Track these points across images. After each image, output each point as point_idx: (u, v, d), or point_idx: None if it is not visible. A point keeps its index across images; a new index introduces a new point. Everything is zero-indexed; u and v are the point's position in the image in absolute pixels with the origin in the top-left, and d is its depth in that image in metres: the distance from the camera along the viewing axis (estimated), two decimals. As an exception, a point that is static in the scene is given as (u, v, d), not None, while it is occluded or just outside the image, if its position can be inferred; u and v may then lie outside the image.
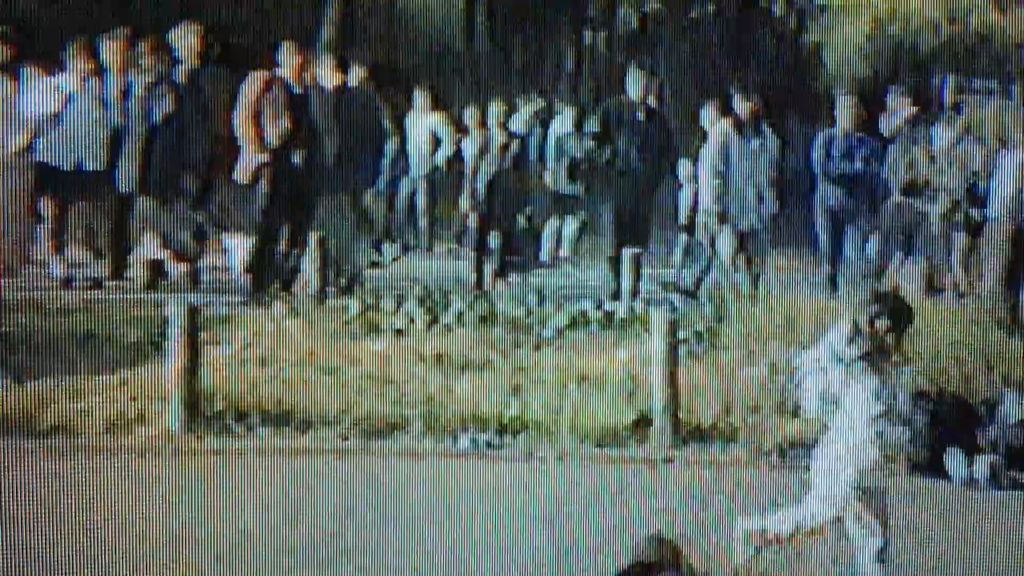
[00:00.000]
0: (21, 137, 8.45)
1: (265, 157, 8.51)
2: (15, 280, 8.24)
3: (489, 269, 8.81)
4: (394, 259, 9.24)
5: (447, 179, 9.39)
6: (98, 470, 5.70)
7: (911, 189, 8.73)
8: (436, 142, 9.59)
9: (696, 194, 9.18)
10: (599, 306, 8.15)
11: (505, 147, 8.96)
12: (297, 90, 8.55)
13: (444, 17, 10.66)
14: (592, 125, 8.87)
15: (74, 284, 8.47)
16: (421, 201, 9.46)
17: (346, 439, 6.36)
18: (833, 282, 8.88)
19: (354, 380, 6.90)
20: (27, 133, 8.45)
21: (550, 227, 9.08)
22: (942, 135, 8.74)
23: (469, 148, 9.24)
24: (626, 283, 8.53)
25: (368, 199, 9.30)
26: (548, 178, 9.11)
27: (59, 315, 7.61)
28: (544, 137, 9.40)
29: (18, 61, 8.55)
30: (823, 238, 9.04)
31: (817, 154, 9.01)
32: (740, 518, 4.90)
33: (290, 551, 4.93)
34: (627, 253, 8.68)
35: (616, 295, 8.51)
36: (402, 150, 9.57)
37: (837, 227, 9.03)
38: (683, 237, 9.14)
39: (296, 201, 8.59)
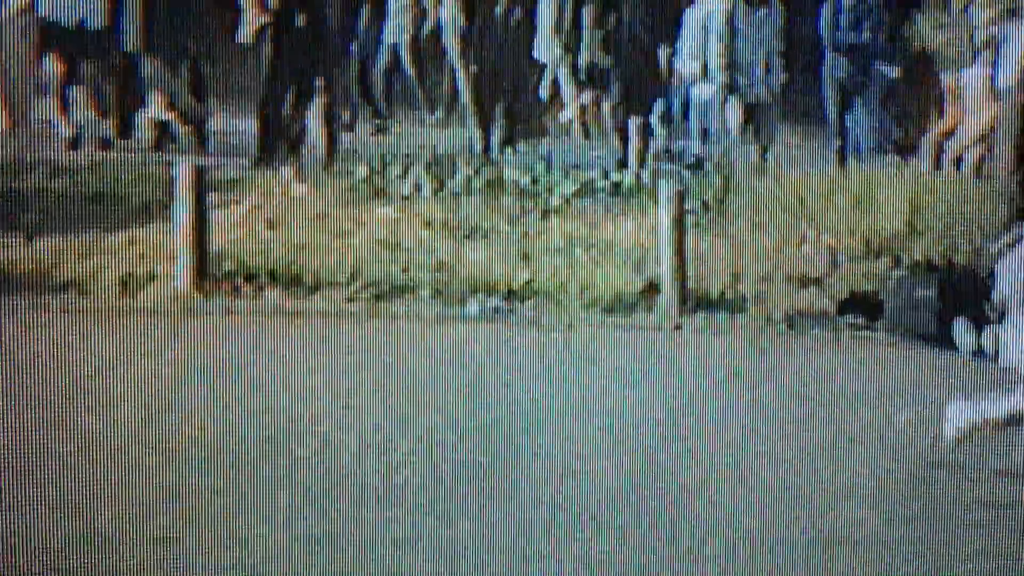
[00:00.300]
0: (22, -7, 8.22)
1: (267, 18, 8.30)
2: (23, 139, 8.12)
3: (496, 137, 8.67)
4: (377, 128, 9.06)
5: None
6: (109, 329, 5.70)
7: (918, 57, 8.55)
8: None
9: (670, 58, 8.94)
10: (606, 175, 8.07)
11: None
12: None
13: None
14: None
15: (81, 144, 8.35)
16: (410, 69, 9.23)
17: (352, 301, 6.35)
18: (841, 155, 8.77)
19: (362, 244, 6.86)
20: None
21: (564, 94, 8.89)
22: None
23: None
24: (633, 152, 8.43)
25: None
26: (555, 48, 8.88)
27: (68, 174, 7.52)
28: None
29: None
30: (831, 111, 8.89)
31: (825, 24, 8.78)
32: (951, 401, 4.87)
33: (296, 410, 4.96)
34: (634, 121, 8.55)
35: (623, 164, 8.41)
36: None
37: (845, 99, 8.86)
38: (657, 102, 8.94)
39: (300, 64, 8.40)
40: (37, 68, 8.47)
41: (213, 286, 6.24)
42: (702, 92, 8.83)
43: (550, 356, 5.93)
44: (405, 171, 7.68)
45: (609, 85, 8.75)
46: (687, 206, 7.02)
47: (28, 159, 7.72)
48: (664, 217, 6.78)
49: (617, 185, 7.92)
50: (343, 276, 6.52)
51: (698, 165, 8.50)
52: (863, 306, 6.93)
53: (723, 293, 6.81)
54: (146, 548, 3.69)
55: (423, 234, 7.04)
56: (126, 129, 8.53)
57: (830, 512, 4.34)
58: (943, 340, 6.62)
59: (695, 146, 8.79)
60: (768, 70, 8.90)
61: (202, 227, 6.31)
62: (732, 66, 8.87)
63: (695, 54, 8.78)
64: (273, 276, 6.41)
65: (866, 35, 8.84)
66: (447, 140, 8.35)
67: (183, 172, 6.37)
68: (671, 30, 8.95)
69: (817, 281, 7.13)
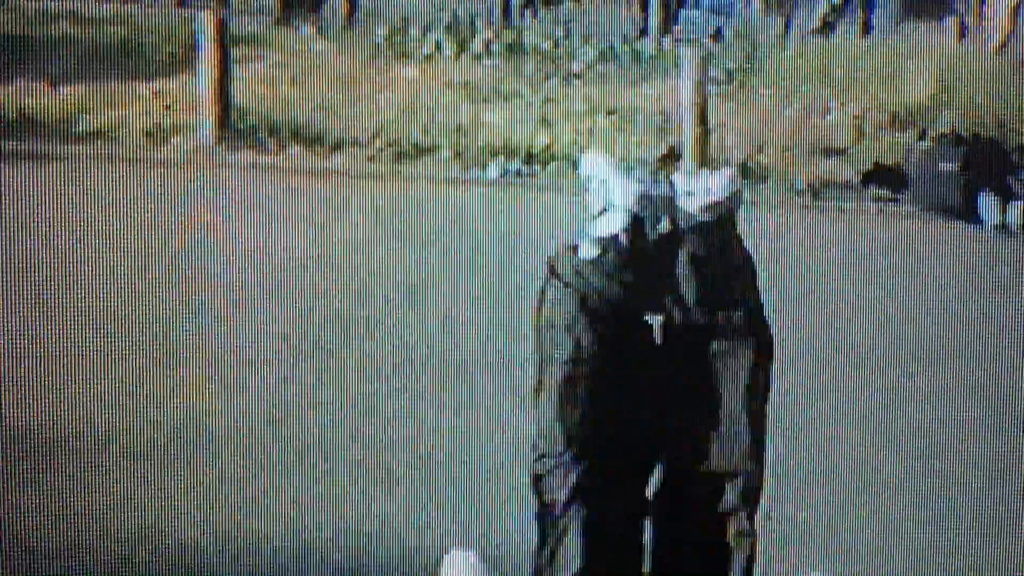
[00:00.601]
0: None
1: None
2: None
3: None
4: None
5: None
6: (134, 177, 5.65)
7: None
8: None
9: None
10: (626, 40, 7.87)
11: None
12: None
13: None
14: None
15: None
16: None
17: (373, 161, 6.28)
18: (866, 26, 8.52)
19: (383, 104, 6.75)
20: None
21: None
22: None
23: None
24: (654, 19, 8.20)
25: None
26: None
27: (93, 24, 7.39)
28: None
29: None
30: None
31: None
32: None
33: (314, 268, 4.93)
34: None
35: (644, 31, 8.20)
36: None
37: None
38: None
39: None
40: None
41: (236, 139, 6.19)
42: None
43: (568, 220, 5.84)
44: (425, 32, 7.53)
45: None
46: (710, 74, 6.85)
47: (52, 7, 7.59)
48: (686, 84, 6.62)
49: (638, 52, 7.74)
50: (364, 135, 6.43)
51: (717, 34, 8.30)
52: (887, 177, 6.80)
53: (745, 162, 6.69)
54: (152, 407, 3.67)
55: (444, 95, 6.92)
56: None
57: (843, 393, 4.29)
58: (967, 213, 6.50)
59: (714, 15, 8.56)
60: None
61: (225, 80, 6.22)
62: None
63: None
64: (295, 133, 6.34)
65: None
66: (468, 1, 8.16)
67: (206, 24, 6.25)
68: None
69: (841, 151, 7.00)
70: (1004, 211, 6.45)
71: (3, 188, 5.13)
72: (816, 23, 8.56)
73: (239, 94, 6.35)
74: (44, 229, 4.79)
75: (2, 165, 5.45)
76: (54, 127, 6.03)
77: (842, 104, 7.33)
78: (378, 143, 6.40)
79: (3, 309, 4.00)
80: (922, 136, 7.10)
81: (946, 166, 6.67)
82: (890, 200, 6.68)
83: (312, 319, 4.35)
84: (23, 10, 7.38)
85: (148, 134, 6.12)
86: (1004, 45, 8.06)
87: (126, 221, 4.99)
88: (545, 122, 6.82)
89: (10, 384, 3.52)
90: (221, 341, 4.04)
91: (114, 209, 5.13)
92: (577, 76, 7.41)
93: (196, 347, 3.96)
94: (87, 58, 6.81)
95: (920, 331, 4.79)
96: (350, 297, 4.60)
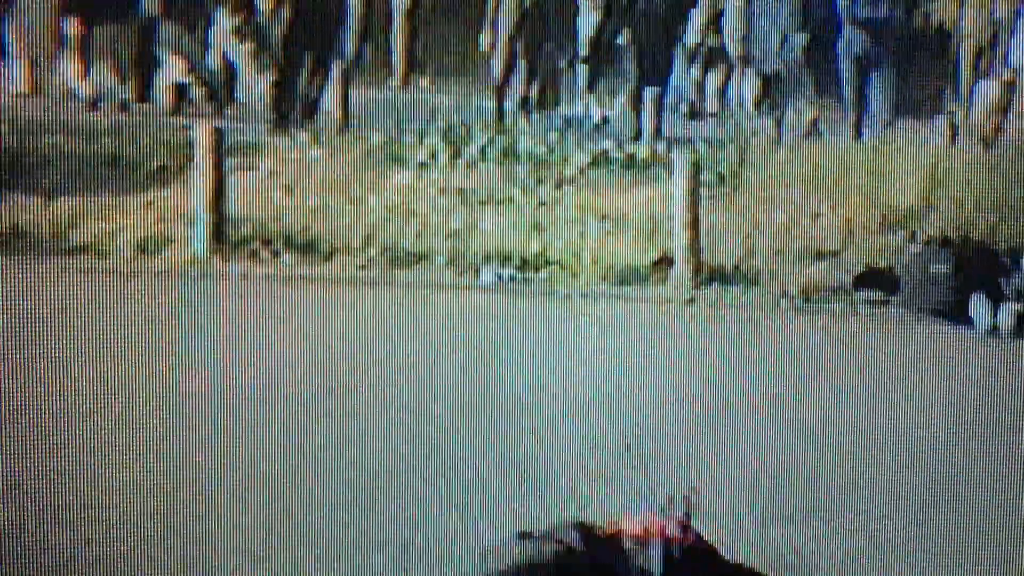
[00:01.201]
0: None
1: (286, -17, 8.12)
2: (43, 101, 7.96)
3: (511, 105, 8.49)
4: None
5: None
6: (125, 290, 5.57)
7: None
8: None
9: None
10: (620, 146, 7.88)
11: None
12: None
13: None
14: None
15: (100, 106, 8.19)
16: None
17: (366, 268, 6.21)
18: (857, 129, 8.56)
19: (377, 211, 6.71)
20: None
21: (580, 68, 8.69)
22: None
23: None
24: (648, 123, 8.23)
25: None
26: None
27: (86, 137, 7.37)
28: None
29: None
30: (848, 84, 8.68)
31: (843, -1, 8.58)
32: None
33: (311, 373, 4.84)
34: (649, 92, 8.34)
35: (637, 135, 8.22)
36: None
37: (862, 74, 8.65)
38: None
39: (318, 29, 8.22)
40: (57, 30, 8.30)
41: (230, 250, 6.10)
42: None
43: (561, 326, 5.78)
44: (421, 138, 7.52)
45: (625, 55, 8.55)
46: (702, 178, 6.84)
47: (48, 120, 7.57)
48: (678, 189, 6.61)
49: (632, 156, 7.74)
50: (358, 242, 6.37)
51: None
52: (879, 280, 6.77)
53: (737, 266, 6.65)
54: (152, 500, 3.59)
55: (438, 201, 6.88)
56: (144, 92, 8.37)
57: (838, 488, 4.22)
58: (959, 316, 6.46)
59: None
60: (784, 42, 8.68)
61: (220, 191, 6.17)
62: (748, 39, 8.65)
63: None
64: (288, 241, 6.27)
65: (884, 9, 8.61)
66: (462, 107, 8.17)
67: (202, 134, 6.21)
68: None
69: (833, 255, 6.96)
70: (995, 314, 6.42)
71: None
72: (806, 126, 8.61)
73: (233, 204, 6.29)
74: (42, 340, 4.72)
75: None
76: (47, 241, 5.97)
77: (833, 207, 7.30)
78: (371, 251, 6.33)
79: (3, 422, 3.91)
80: (913, 238, 7.08)
81: (937, 268, 6.63)
82: (882, 303, 6.63)
83: (307, 424, 4.29)
84: (16, 123, 7.36)
85: (140, 247, 6.04)
86: (989, 146, 8.09)
87: (123, 332, 4.92)
88: (538, 227, 6.78)
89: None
90: (218, 446, 3.99)
91: (109, 321, 5.05)
92: (571, 181, 7.39)
93: (193, 453, 3.90)
94: (80, 170, 6.77)
95: (911, 429, 4.74)
96: (345, 403, 4.54)
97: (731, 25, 8.69)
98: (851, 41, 8.63)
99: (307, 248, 6.27)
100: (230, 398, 4.40)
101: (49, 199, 6.34)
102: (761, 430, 4.62)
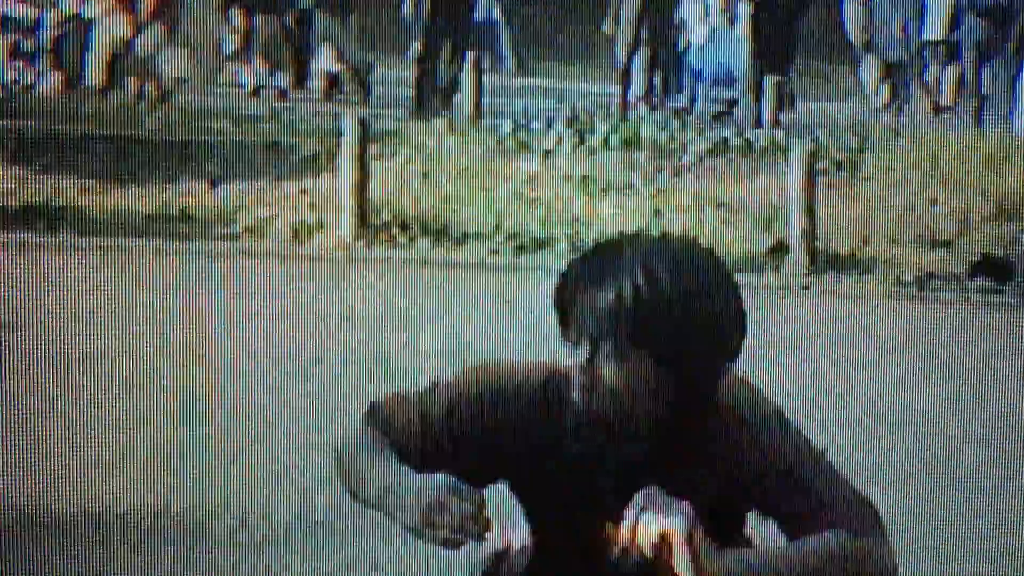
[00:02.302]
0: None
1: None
2: (211, 88, 8.46)
3: (633, 93, 8.55)
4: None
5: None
6: (284, 272, 5.95)
7: None
8: None
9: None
10: (740, 133, 7.88)
11: None
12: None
13: None
14: None
15: (261, 93, 8.65)
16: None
17: (496, 254, 6.45)
18: (978, 116, 8.35)
19: (505, 198, 6.92)
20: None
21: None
22: None
23: None
24: (767, 111, 8.21)
25: None
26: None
27: (248, 123, 7.80)
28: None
29: None
30: (968, 72, 8.45)
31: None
32: None
33: (438, 353, 5.08)
34: (769, 80, 8.31)
35: (757, 123, 8.20)
36: None
37: (983, 61, 8.40)
38: None
39: (455, 19, 8.44)
40: (223, 22, 8.76)
41: (372, 235, 6.44)
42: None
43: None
44: (548, 126, 7.69)
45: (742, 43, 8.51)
46: (820, 166, 6.82)
47: (214, 107, 8.05)
48: (795, 177, 6.60)
49: (750, 143, 7.74)
50: (488, 228, 6.61)
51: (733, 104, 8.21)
52: (994, 269, 6.65)
53: (853, 254, 6.61)
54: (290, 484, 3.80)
55: (562, 188, 7.05)
56: (300, 80, 8.79)
57: (961, 486, 4.22)
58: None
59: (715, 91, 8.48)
60: (905, 29, 8.50)
61: (364, 180, 6.48)
62: (869, 26, 8.50)
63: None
64: (424, 227, 6.56)
65: (1004, -4, 8.34)
66: (585, 93, 8.29)
67: (349, 127, 6.53)
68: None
69: (948, 243, 6.86)
70: None
71: (166, 283, 5.48)
72: (928, 110, 8.44)
73: (376, 190, 6.61)
74: (202, 321, 5.08)
75: (168, 261, 5.83)
76: (212, 225, 6.40)
77: (949, 195, 7.18)
78: (499, 236, 6.56)
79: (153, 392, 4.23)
80: (1030, 228, 6.92)
81: (1053, 258, 6.49)
82: (996, 291, 6.53)
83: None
84: (186, 109, 7.84)
85: (295, 231, 6.43)
86: None
87: (277, 314, 5.26)
88: (656, 214, 6.88)
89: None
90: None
91: (266, 303, 5.41)
92: (689, 168, 7.46)
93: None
94: (242, 156, 7.19)
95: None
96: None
97: (853, 12, 8.55)
98: (972, 28, 8.39)
99: (441, 233, 6.55)
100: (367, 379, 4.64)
101: (214, 184, 6.80)
102: (880, 418, 4.64)
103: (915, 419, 4.69)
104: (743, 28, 8.42)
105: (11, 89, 7.61)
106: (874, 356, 5.27)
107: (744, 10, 8.44)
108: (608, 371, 1.54)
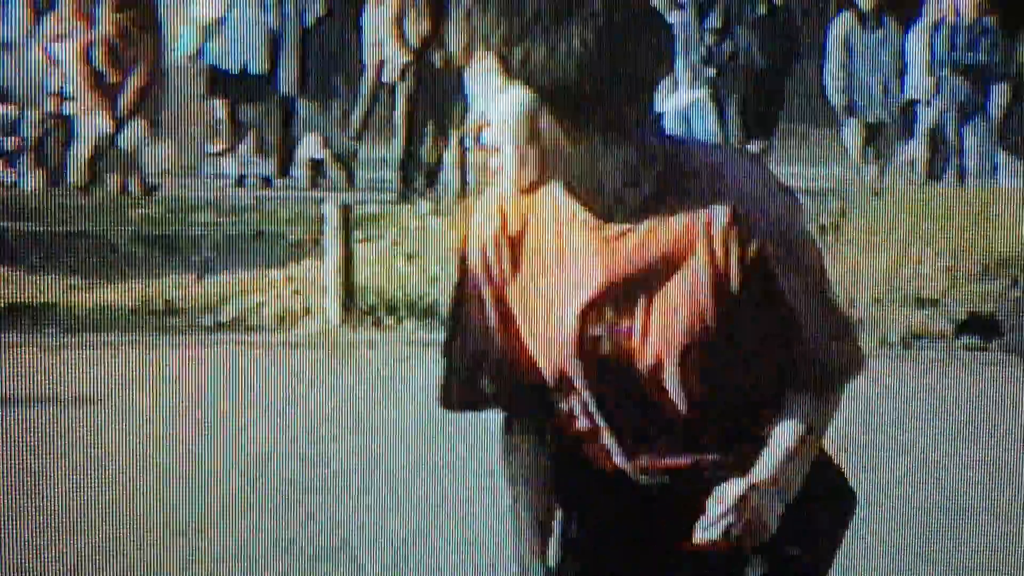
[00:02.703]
0: (193, 41, 8.68)
1: (407, 57, 8.55)
2: (194, 180, 8.61)
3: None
4: None
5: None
6: (271, 360, 5.99)
7: None
8: None
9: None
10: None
11: None
12: (436, -8, 8.51)
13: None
14: (713, 21, 8.53)
15: (247, 182, 8.80)
16: None
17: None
18: (960, 176, 8.49)
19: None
20: (197, 38, 8.68)
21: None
22: None
23: None
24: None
25: None
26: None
27: (232, 213, 7.92)
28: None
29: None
30: (949, 130, 8.61)
31: (941, 46, 8.51)
32: None
33: (432, 431, 5.11)
34: (753, 146, 8.44)
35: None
36: None
37: (964, 119, 8.57)
38: None
39: (437, 100, 8.61)
40: (206, 111, 8.95)
41: (358, 319, 6.49)
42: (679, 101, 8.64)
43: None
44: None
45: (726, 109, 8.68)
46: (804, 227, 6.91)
47: (198, 199, 8.18)
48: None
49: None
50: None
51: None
52: (981, 327, 6.73)
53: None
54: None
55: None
56: (285, 168, 8.94)
57: (951, 543, 4.21)
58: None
59: None
60: (886, 91, 8.67)
61: (349, 264, 6.54)
62: (850, 88, 8.66)
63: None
64: (410, 308, 6.62)
65: (983, 56, 8.52)
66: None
67: (332, 213, 6.62)
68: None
69: (934, 302, 6.93)
70: None
71: (155, 375, 5.52)
72: (912, 168, 8.57)
73: (361, 274, 6.68)
74: (190, 412, 5.12)
75: (154, 353, 5.88)
76: (199, 316, 6.47)
77: (934, 254, 7.27)
78: None
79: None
80: (1014, 284, 7.00)
81: (1039, 314, 6.56)
82: (983, 349, 6.59)
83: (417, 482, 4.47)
84: (170, 203, 7.96)
85: (281, 318, 6.49)
86: None
87: (264, 402, 5.30)
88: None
89: None
90: (338, 520, 4.18)
91: (254, 391, 5.46)
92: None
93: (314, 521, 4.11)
94: (228, 247, 7.29)
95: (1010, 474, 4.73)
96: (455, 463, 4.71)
97: (833, 74, 8.72)
98: (951, 87, 8.57)
99: (426, 314, 6.61)
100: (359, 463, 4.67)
101: (200, 275, 6.88)
102: (869, 475, 4.67)
103: (903, 476, 4.72)
104: (709, 98, 8.59)
105: None
106: (860, 415, 5.30)
107: (709, 79, 8.62)
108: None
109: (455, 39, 1.54)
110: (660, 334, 1.56)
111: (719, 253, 1.55)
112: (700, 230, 1.55)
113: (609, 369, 1.59)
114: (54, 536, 3.98)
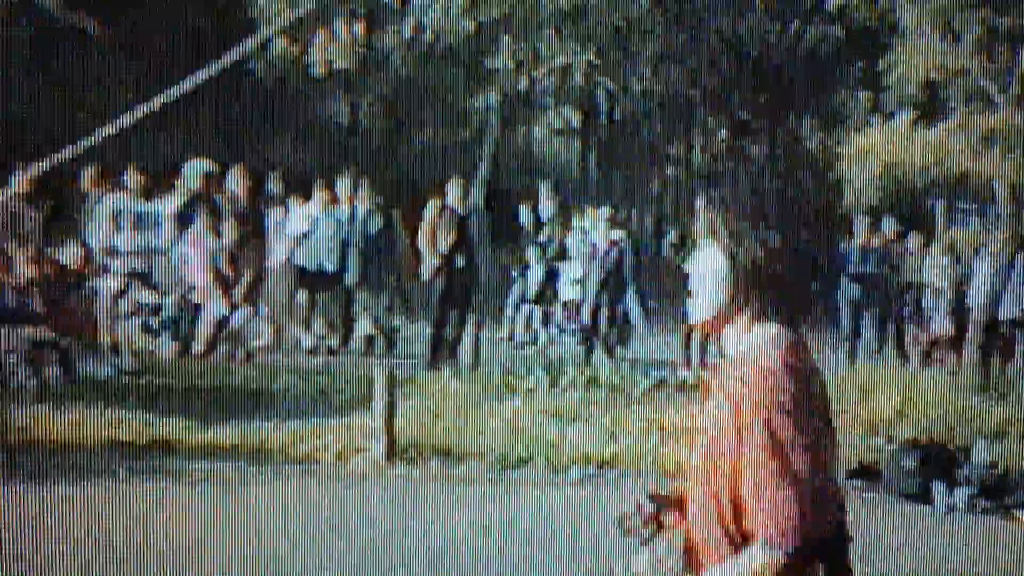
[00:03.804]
0: (287, 249, 9.66)
1: (439, 260, 9.42)
2: (280, 350, 9.39)
3: (598, 347, 9.37)
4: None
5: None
6: (333, 490, 6.47)
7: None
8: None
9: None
10: (675, 374, 8.69)
11: (608, 250, 9.53)
12: (461, 213, 9.49)
13: (565, 157, 11.49)
14: (671, 238, 9.49)
15: (318, 351, 9.59)
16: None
17: (490, 470, 7.13)
18: (852, 355, 9.21)
19: (498, 427, 7.55)
20: (289, 246, 9.66)
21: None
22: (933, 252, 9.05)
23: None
24: (695, 356, 9.06)
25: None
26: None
27: (306, 376, 8.54)
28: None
29: (285, 195, 9.80)
30: (845, 322, 9.37)
31: (840, 259, 9.40)
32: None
33: (449, 545, 5.56)
34: (696, 333, 9.19)
35: (688, 364, 9.05)
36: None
37: (856, 314, 9.34)
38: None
39: (461, 292, 9.44)
40: (293, 299, 9.83)
41: (398, 457, 7.15)
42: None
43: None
44: (528, 372, 8.52)
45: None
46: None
47: (282, 364, 8.94)
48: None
49: (684, 381, 8.53)
50: (483, 450, 7.27)
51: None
52: (866, 473, 7.24)
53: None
54: None
55: (540, 419, 7.81)
56: (345, 340, 9.74)
57: None
58: (924, 498, 6.93)
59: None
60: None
61: (391, 415, 7.23)
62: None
63: None
64: (435, 450, 7.28)
65: (872, 267, 9.39)
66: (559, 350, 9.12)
67: (379, 376, 7.22)
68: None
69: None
70: (952, 496, 6.86)
71: (247, 499, 6.11)
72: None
73: (401, 423, 7.34)
74: (275, 526, 5.65)
75: (249, 481, 6.49)
76: (277, 454, 7.06)
77: (832, 416, 7.93)
78: (491, 456, 7.25)
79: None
80: (890, 440, 7.64)
81: (908, 463, 7.19)
82: (869, 490, 7.19)
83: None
84: (263, 368, 8.69)
85: (340, 455, 7.16)
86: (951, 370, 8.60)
87: (328, 520, 5.84)
88: (612, 437, 7.59)
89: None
90: None
91: (320, 511, 6.02)
92: (637, 400, 8.21)
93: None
94: (303, 401, 8.00)
95: None
96: None
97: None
98: (847, 289, 9.42)
99: (448, 455, 7.25)
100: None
101: (283, 422, 7.57)
102: None
103: None
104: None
105: (142, 355, 8.45)
106: None
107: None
108: None
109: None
110: None
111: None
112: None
113: None
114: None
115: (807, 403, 1.95)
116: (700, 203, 2.03)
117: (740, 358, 1.93)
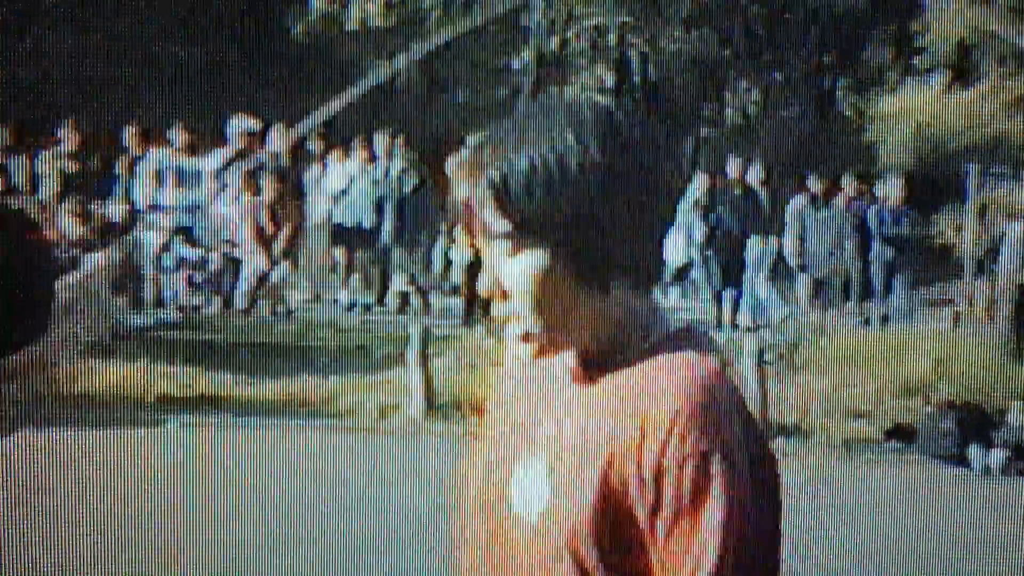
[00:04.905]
0: (325, 206, 9.48)
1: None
2: (317, 306, 9.26)
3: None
4: None
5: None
6: (371, 445, 6.40)
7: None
8: None
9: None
10: (706, 333, 8.44)
11: None
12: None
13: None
14: (702, 199, 9.22)
15: (354, 309, 9.44)
16: None
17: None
18: (885, 319, 8.93)
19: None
20: (328, 203, 9.48)
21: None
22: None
23: None
24: (726, 315, 8.81)
25: None
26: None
27: (343, 331, 8.49)
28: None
29: (325, 152, 9.60)
30: (878, 285, 9.08)
31: (873, 221, 9.09)
32: None
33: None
34: (727, 293, 8.96)
35: (719, 324, 8.80)
36: None
37: (889, 277, 9.05)
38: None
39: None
40: (329, 256, 9.68)
41: (435, 413, 7.01)
42: None
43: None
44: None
45: (710, 266, 9.22)
46: (767, 357, 7.38)
47: (321, 320, 8.82)
48: (749, 367, 7.14)
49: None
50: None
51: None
52: (902, 434, 7.04)
53: (796, 423, 7.07)
54: None
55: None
56: (381, 298, 9.59)
57: None
58: (960, 460, 6.72)
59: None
60: (831, 255, 9.23)
61: (428, 372, 7.08)
62: (803, 252, 9.25)
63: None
64: (471, 406, 7.11)
65: (905, 229, 9.07)
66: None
67: (415, 333, 7.11)
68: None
69: (867, 415, 7.33)
70: (988, 458, 6.64)
71: (289, 453, 6.01)
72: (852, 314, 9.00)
73: (437, 379, 7.19)
74: (317, 480, 5.54)
75: (291, 435, 6.39)
76: (318, 408, 6.97)
77: (866, 378, 7.67)
78: None
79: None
80: (927, 402, 7.38)
81: (944, 425, 6.93)
82: (904, 451, 6.95)
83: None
84: (302, 323, 8.57)
85: (380, 412, 7.03)
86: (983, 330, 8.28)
87: (368, 476, 5.73)
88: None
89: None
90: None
91: (359, 468, 5.89)
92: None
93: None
94: (340, 356, 7.87)
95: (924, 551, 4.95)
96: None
97: (790, 242, 9.32)
98: (880, 252, 9.10)
99: (480, 408, 7.07)
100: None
101: (324, 377, 7.44)
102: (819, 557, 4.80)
103: (845, 551, 4.96)
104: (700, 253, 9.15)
105: (187, 310, 8.38)
106: (808, 504, 5.56)
107: (702, 233, 9.18)
108: None
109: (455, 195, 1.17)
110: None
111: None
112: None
113: None
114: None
115: None
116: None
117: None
